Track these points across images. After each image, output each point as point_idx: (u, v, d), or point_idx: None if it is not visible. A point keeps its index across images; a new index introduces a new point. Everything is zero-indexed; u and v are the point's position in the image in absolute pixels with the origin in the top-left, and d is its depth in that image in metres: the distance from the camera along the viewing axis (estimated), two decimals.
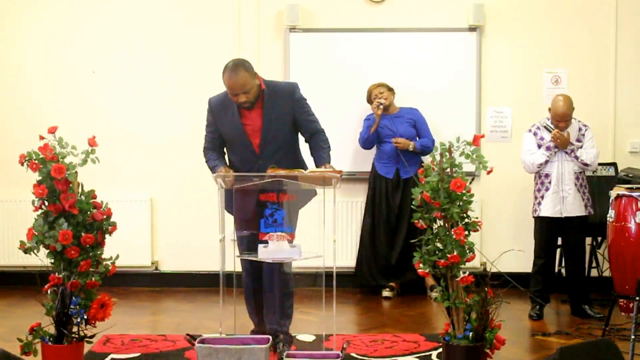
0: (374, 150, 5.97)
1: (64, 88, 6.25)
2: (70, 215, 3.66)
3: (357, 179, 6.16)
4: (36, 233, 3.66)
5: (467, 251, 3.66)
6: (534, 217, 5.29)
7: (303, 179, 3.95)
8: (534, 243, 5.31)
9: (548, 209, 5.15)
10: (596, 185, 5.58)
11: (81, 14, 6.25)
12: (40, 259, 3.66)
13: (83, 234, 3.65)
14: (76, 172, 3.68)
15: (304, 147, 4.35)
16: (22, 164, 3.68)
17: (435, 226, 3.71)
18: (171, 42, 6.25)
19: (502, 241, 5.93)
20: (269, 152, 4.18)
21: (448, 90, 6.16)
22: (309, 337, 4.62)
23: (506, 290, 3.79)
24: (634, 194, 4.50)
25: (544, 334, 4.77)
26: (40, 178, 3.65)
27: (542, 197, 5.19)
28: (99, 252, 3.74)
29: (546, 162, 5.16)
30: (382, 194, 5.90)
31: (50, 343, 3.61)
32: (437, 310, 5.37)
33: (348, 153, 6.08)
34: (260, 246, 3.96)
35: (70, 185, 3.65)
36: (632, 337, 4.04)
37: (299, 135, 4.33)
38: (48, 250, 3.67)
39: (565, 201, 5.13)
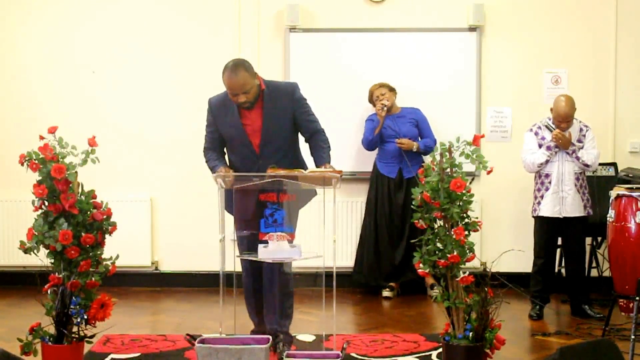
0: (374, 150, 5.98)
1: (64, 88, 6.25)
2: (70, 215, 3.65)
3: (358, 179, 6.16)
4: (36, 233, 3.66)
5: (467, 251, 3.66)
6: (533, 216, 5.29)
7: (303, 179, 3.95)
8: (534, 243, 5.31)
9: (547, 209, 5.16)
10: (596, 185, 5.58)
11: (81, 13, 6.25)
12: (40, 259, 3.66)
13: (83, 234, 3.65)
14: (76, 172, 3.67)
15: (304, 147, 4.35)
16: (22, 164, 3.67)
17: (435, 226, 3.72)
18: (171, 42, 6.25)
19: (502, 241, 5.93)
20: (269, 152, 4.18)
21: (448, 90, 6.15)
22: (309, 337, 4.62)
23: (506, 290, 3.79)
24: (634, 194, 4.50)
25: (544, 334, 4.76)
26: (40, 178, 3.65)
27: (542, 197, 5.19)
28: (99, 252, 3.74)
29: (547, 162, 5.16)
30: (385, 194, 5.89)
31: (50, 343, 3.61)
32: (437, 310, 5.36)
33: (348, 153, 6.08)
34: (260, 246, 3.96)
35: (70, 185, 3.65)
36: (632, 337, 4.04)
37: (299, 135, 4.33)
38: (48, 250, 3.66)
39: (565, 201, 5.13)
